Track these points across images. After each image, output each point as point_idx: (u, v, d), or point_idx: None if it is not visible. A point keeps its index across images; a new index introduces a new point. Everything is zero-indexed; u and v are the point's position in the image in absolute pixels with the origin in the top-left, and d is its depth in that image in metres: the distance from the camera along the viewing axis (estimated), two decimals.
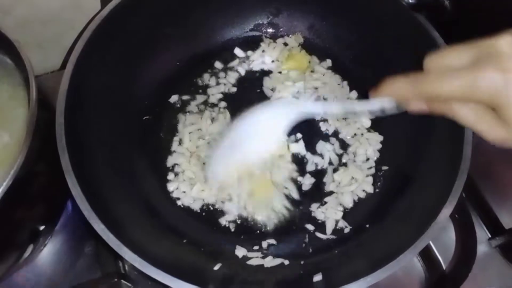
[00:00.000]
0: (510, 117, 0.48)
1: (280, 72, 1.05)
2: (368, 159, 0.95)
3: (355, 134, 0.98)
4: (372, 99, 0.63)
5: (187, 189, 0.90)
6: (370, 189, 0.92)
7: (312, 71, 1.05)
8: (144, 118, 0.96)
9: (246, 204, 0.87)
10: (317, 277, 0.75)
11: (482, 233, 0.92)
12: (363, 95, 1.02)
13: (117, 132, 0.88)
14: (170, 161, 0.93)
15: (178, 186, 0.91)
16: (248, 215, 0.87)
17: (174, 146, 0.95)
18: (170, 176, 0.92)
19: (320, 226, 0.87)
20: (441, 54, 0.55)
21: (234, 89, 1.03)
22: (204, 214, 0.88)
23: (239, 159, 0.81)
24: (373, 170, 0.94)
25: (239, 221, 0.87)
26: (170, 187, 0.90)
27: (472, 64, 0.50)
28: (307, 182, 0.92)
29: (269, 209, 0.88)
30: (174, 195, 0.90)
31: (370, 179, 0.93)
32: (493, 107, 0.49)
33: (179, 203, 0.89)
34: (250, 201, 0.87)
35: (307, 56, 1.07)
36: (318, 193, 0.91)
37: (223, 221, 0.87)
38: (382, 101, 0.61)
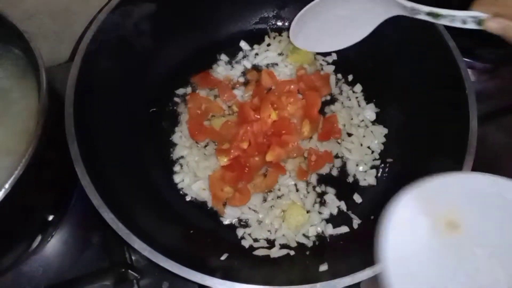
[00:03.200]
0: None
1: (286, 66, 1.06)
2: (372, 151, 0.96)
3: (358, 126, 0.99)
4: (458, 11, 0.70)
5: (192, 182, 0.91)
6: (372, 181, 0.93)
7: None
8: (151, 110, 0.97)
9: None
10: (323, 267, 0.75)
11: None
12: (368, 88, 1.02)
13: (125, 123, 0.89)
14: (176, 153, 0.94)
15: (184, 178, 0.92)
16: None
17: (176, 138, 0.96)
18: (177, 167, 0.93)
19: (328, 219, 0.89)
20: None
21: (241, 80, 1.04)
22: (209, 207, 0.89)
23: (332, 33, 0.86)
24: (377, 162, 0.95)
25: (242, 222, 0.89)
26: (176, 178, 0.91)
27: None
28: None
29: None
30: (180, 186, 0.91)
31: (374, 171, 0.94)
32: None
33: (186, 195, 0.90)
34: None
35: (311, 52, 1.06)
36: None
37: (226, 220, 0.88)
38: (468, 13, 0.68)
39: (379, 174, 0.94)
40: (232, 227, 0.88)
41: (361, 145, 0.97)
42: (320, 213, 0.90)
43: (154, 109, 0.97)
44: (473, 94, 0.80)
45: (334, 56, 1.06)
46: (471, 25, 0.69)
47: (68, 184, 0.84)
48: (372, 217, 0.87)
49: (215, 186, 0.89)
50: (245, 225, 0.88)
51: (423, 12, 0.76)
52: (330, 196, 0.91)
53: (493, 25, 0.65)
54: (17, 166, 0.62)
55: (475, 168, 0.91)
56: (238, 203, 0.88)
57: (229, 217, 0.88)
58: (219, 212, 0.88)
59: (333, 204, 0.90)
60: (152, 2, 0.91)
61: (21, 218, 0.72)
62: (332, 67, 1.06)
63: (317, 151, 0.95)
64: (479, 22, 0.68)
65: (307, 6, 0.85)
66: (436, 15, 0.74)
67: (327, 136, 0.96)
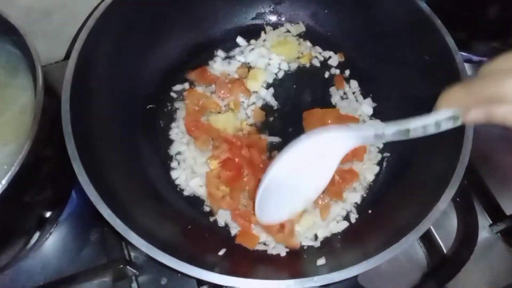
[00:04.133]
0: None
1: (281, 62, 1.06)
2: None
3: None
4: (428, 115, 0.59)
5: (190, 178, 0.91)
6: (371, 177, 0.93)
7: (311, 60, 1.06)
8: (148, 106, 0.97)
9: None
10: (321, 261, 0.75)
11: (483, 219, 0.93)
12: (364, 83, 1.03)
13: (123, 120, 0.89)
14: (173, 150, 0.94)
15: (181, 174, 0.92)
16: None
17: (173, 134, 0.96)
18: (174, 164, 0.93)
19: None
20: (497, 59, 0.54)
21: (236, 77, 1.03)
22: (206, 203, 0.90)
23: (295, 199, 0.76)
24: (379, 157, 0.95)
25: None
26: (174, 175, 0.91)
27: None
28: None
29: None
30: (177, 182, 0.91)
31: (376, 168, 0.94)
32: None
33: (183, 191, 0.90)
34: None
35: (299, 47, 1.07)
36: None
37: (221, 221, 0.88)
38: (440, 114, 0.58)
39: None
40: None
41: None
42: None
43: (151, 105, 0.97)
44: None
45: (331, 54, 1.07)
46: (448, 126, 0.59)
47: (65, 181, 0.84)
48: (369, 211, 0.87)
49: (211, 184, 0.89)
50: None
51: (389, 135, 0.63)
52: None
53: (473, 117, 0.56)
54: (13, 163, 0.62)
55: (472, 161, 0.92)
56: (225, 207, 0.87)
57: (220, 218, 0.88)
58: (213, 211, 0.88)
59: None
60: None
61: (18, 215, 0.72)
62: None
63: (340, 171, 0.91)
64: (455, 119, 0.58)
65: (260, 189, 0.75)
66: (406, 132, 0.61)
67: (351, 159, 0.92)
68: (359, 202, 0.90)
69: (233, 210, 0.86)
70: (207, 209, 0.89)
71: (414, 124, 0.60)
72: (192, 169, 0.92)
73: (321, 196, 0.87)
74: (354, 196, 0.90)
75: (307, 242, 0.85)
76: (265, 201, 0.76)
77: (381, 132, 0.64)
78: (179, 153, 0.94)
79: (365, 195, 0.91)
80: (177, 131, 0.96)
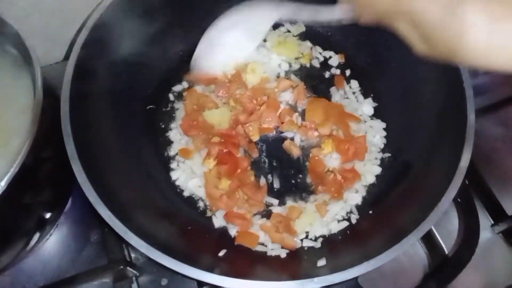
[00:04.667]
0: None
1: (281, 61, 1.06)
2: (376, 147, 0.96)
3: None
4: (334, 8, 0.71)
5: (189, 179, 0.91)
6: (371, 178, 0.92)
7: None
8: (148, 107, 0.96)
9: None
10: (321, 262, 0.75)
11: (485, 219, 0.93)
12: (365, 83, 1.02)
13: (122, 120, 0.89)
14: (172, 150, 0.94)
15: (180, 175, 0.91)
16: None
17: (173, 134, 0.96)
18: (173, 164, 0.93)
19: None
20: None
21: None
22: (206, 203, 0.89)
23: (230, 52, 0.95)
24: (379, 158, 0.94)
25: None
26: (173, 175, 0.91)
27: None
28: None
29: None
30: (177, 183, 0.91)
31: (377, 169, 0.93)
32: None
33: (183, 191, 0.90)
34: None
35: (299, 47, 1.07)
36: None
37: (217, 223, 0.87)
38: (341, 11, 0.69)
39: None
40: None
41: None
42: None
43: (151, 106, 0.97)
44: (470, 87, 0.80)
45: (332, 53, 1.06)
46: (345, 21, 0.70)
47: (65, 182, 0.84)
48: (370, 212, 0.87)
49: (209, 183, 0.89)
50: None
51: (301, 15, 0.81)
52: None
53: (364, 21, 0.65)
54: (13, 163, 0.62)
55: (474, 160, 0.92)
56: (223, 206, 0.86)
57: (217, 222, 0.87)
58: (212, 211, 0.88)
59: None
60: (147, 0, 0.91)
61: (18, 216, 0.72)
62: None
63: (341, 170, 0.92)
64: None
65: (202, 39, 0.95)
66: (314, 15, 0.77)
67: (353, 158, 0.92)
68: (359, 203, 0.90)
69: (228, 210, 0.86)
70: (207, 209, 0.88)
71: (320, 14, 0.75)
72: (191, 170, 0.92)
73: (321, 193, 0.89)
74: (355, 197, 0.90)
75: (307, 243, 0.85)
76: (206, 49, 0.95)
77: (294, 13, 0.82)
78: (178, 153, 0.93)
79: (366, 196, 0.91)
80: (177, 132, 0.96)
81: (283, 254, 0.82)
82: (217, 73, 0.98)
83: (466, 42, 0.49)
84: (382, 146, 0.96)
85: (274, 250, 0.83)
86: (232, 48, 0.96)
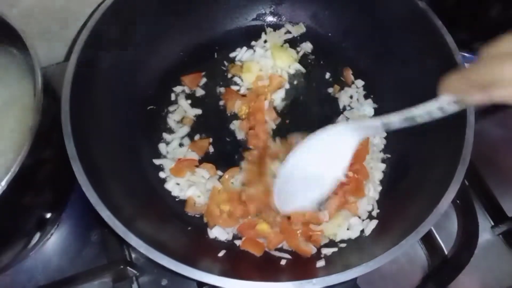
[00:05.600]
0: None
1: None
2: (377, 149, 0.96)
3: None
4: (430, 101, 0.60)
5: (186, 187, 0.89)
6: (379, 175, 0.92)
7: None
8: (148, 107, 0.97)
9: None
10: (320, 263, 0.75)
11: (485, 221, 0.93)
12: (365, 84, 1.02)
13: (122, 121, 0.89)
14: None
15: (172, 188, 0.89)
16: None
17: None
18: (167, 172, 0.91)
19: None
20: (495, 42, 0.53)
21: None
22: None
23: (311, 189, 0.77)
24: (381, 156, 0.94)
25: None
26: (168, 185, 0.89)
27: None
28: None
29: None
30: (173, 194, 0.89)
31: (382, 166, 0.93)
32: None
33: (180, 196, 0.89)
34: None
35: (297, 55, 1.07)
36: None
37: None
38: (442, 100, 0.58)
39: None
40: None
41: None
42: None
43: (151, 107, 0.97)
44: None
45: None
46: (452, 110, 0.58)
47: (65, 182, 0.84)
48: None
49: (213, 201, 0.86)
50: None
51: (396, 122, 0.66)
52: None
53: (474, 101, 0.55)
54: (13, 164, 0.62)
55: (474, 162, 0.92)
56: (221, 224, 0.84)
57: (212, 234, 0.85)
58: (208, 223, 0.86)
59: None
60: (148, 1, 0.91)
61: (18, 216, 0.72)
62: None
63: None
64: (457, 103, 0.57)
65: (278, 179, 0.78)
66: (411, 118, 0.64)
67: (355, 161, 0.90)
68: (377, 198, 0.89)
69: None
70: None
71: (418, 111, 0.62)
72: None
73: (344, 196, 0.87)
74: (372, 192, 0.89)
75: (326, 251, 0.82)
76: (283, 190, 0.78)
77: (388, 120, 0.66)
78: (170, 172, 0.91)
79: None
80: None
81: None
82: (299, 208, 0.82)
83: None
84: (382, 147, 0.96)
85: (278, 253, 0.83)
86: (316, 181, 0.78)
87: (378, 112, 0.99)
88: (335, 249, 0.82)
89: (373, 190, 0.90)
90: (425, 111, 0.61)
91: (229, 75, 1.03)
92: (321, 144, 0.74)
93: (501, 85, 0.50)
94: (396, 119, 0.65)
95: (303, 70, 1.05)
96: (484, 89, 0.52)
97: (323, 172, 0.76)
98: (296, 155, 0.76)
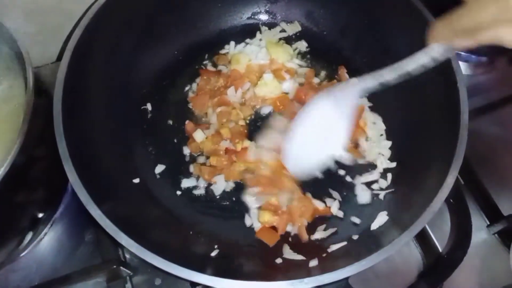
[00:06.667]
0: None
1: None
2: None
3: None
4: (418, 53, 0.62)
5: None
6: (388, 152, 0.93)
7: None
8: (142, 107, 0.97)
9: None
10: (313, 263, 0.75)
11: (480, 220, 0.93)
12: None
13: (115, 121, 0.89)
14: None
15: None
16: None
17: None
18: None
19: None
20: None
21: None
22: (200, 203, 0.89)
23: (320, 150, 0.79)
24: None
25: None
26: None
27: None
28: None
29: None
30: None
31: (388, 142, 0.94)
32: None
33: (176, 191, 0.89)
34: None
35: (293, 52, 1.07)
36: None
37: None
38: (431, 49, 0.61)
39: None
40: (224, 223, 0.87)
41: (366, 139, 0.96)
42: None
43: (145, 106, 0.97)
44: (464, 87, 0.79)
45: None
46: (443, 57, 0.61)
47: (58, 181, 0.85)
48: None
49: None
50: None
51: (392, 79, 0.68)
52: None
53: (462, 45, 0.57)
54: (3, 163, 0.62)
55: (470, 160, 0.92)
56: (204, 175, 0.88)
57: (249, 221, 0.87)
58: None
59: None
60: None
61: (10, 215, 0.73)
62: None
63: None
64: (446, 50, 0.60)
65: (288, 141, 0.82)
66: (403, 71, 0.66)
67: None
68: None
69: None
70: (200, 208, 0.88)
71: (411, 65, 0.65)
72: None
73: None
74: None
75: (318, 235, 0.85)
76: (294, 152, 0.81)
77: (384, 78, 0.69)
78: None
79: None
80: None
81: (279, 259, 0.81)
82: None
83: None
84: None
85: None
86: (320, 148, 0.80)
87: (373, 111, 0.99)
88: (344, 243, 0.81)
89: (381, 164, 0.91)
90: (416, 63, 0.64)
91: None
92: (327, 104, 0.77)
93: (486, 27, 0.51)
94: (391, 76, 0.68)
95: (303, 64, 1.05)
96: (471, 33, 0.54)
97: (329, 133, 0.78)
98: (303, 116, 0.79)
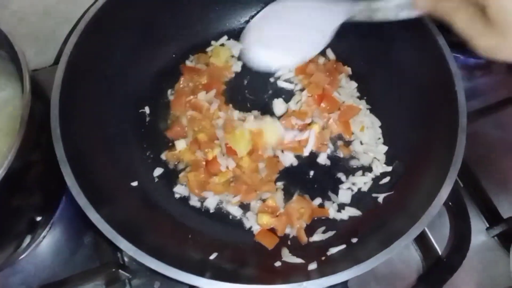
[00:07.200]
0: (494, 14, 0.51)
1: None
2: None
3: None
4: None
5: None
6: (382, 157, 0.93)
7: None
8: (140, 110, 0.96)
9: None
10: (312, 266, 0.75)
11: (480, 222, 0.93)
12: (359, 86, 1.02)
13: (113, 124, 0.88)
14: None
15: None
16: None
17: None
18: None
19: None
20: None
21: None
22: (198, 206, 0.89)
23: (289, 46, 0.81)
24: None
25: None
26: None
27: None
28: None
29: None
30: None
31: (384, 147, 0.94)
32: (482, 6, 0.52)
33: (173, 194, 0.89)
34: None
35: None
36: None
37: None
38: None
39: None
40: (222, 226, 0.87)
41: (361, 143, 0.96)
42: None
43: (143, 109, 0.96)
44: (462, 90, 0.79)
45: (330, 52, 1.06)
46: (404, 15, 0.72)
47: (55, 185, 0.84)
48: (361, 214, 0.87)
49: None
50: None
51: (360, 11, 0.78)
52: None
53: (422, 5, 0.65)
54: (0, 167, 0.62)
55: (469, 163, 0.92)
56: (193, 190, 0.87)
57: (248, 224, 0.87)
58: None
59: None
60: (140, 2, 0.91)
61: (7, 219, 0.72)
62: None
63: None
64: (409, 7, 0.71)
65: (262, 12, 0.84)
66: (374, 10, 0.77)
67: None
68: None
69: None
70: (198, 212, 0.88)
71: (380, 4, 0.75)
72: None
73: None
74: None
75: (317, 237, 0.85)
76: (260, 28, 0.85)
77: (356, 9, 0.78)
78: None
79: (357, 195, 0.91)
80: None
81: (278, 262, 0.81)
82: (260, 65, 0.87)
83: None
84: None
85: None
86: (289, 43, 0.82)
87: (371, 113, 0.98)
88: (343, 247, 0.80)
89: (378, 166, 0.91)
90: (385, 7, 0.74)
91: None
92: (305, 8, 0.80)
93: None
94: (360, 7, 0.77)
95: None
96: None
97: (304, 36, 0.80)
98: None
